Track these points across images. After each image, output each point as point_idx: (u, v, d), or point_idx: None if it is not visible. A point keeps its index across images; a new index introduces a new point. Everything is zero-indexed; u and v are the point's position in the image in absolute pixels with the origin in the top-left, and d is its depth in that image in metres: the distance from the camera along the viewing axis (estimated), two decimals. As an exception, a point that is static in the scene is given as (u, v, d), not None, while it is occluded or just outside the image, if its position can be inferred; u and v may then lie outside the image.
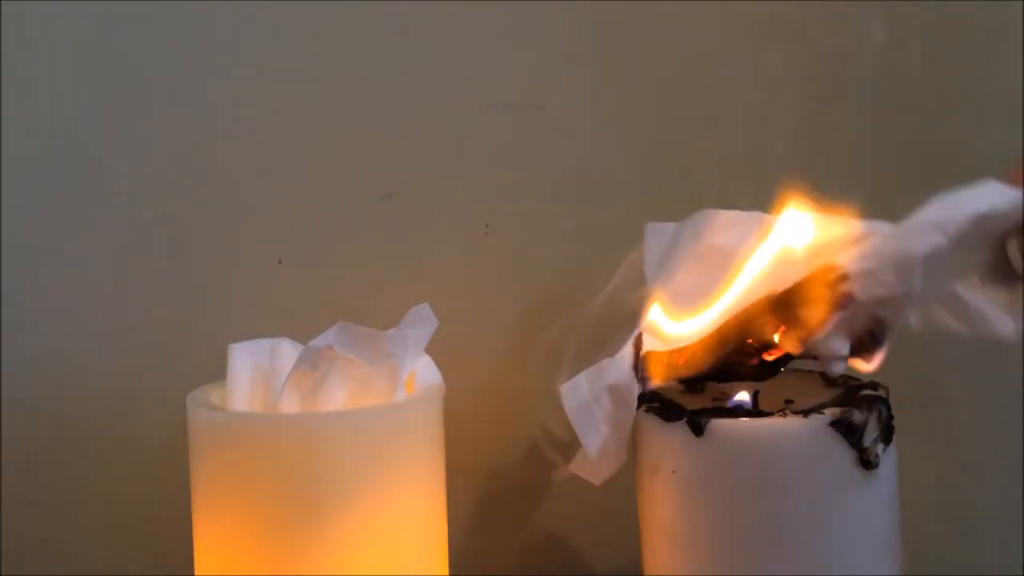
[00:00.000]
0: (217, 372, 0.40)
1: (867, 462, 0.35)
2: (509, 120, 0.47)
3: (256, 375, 0.39)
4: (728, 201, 0.41)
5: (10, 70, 0.46)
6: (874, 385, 0.38)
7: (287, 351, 0.39)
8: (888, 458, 0.36)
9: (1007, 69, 0.46)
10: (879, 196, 0.43)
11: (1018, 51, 0.46)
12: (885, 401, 0.37)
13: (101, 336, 0.48)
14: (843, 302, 0.34)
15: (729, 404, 0.38)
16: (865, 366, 0.36)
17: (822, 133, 0.47)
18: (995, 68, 0.46)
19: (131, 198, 0.48)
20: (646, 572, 0.38)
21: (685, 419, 0.36)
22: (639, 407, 0.37)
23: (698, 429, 0.36)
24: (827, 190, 0.40)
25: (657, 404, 0.37)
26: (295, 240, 0.48)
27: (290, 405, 0.37)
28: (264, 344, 0.39)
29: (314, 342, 0.37)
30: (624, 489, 0.40)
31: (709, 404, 0.38)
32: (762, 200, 0.40)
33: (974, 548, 0.48)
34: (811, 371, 0.40)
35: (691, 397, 0.39)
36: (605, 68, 0.48)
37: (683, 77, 0.48)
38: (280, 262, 0.48)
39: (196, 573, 0.38)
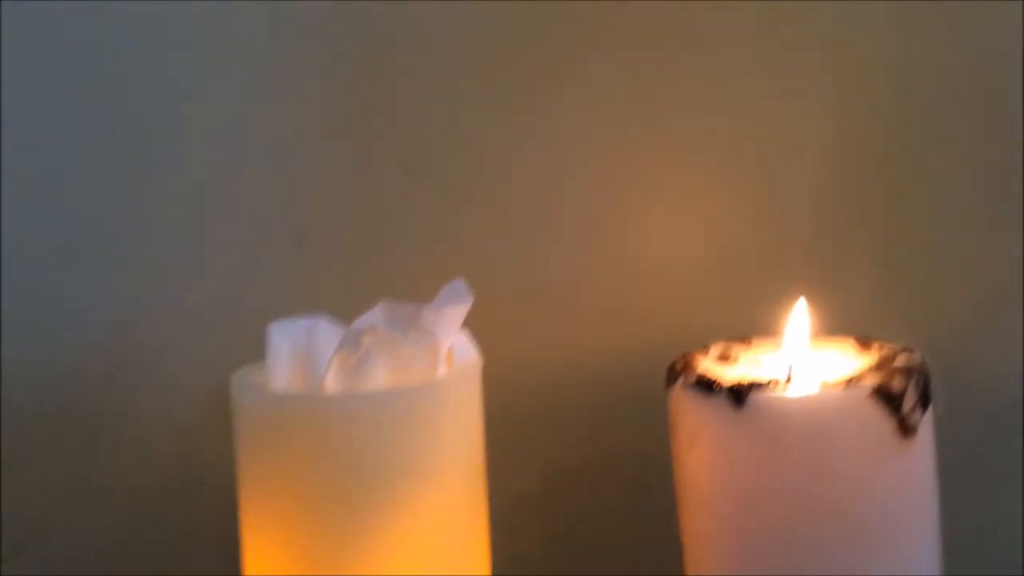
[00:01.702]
0: (243, 356, 0.40)
1: (906, 429, 0.36)
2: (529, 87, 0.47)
3: (295, 355, 0.39)
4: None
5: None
6: (911, 350, 0.38)
7: (324, 330, 0.39)
8: (926, 424, 0.37)
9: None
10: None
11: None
12: (923, 367, 0.37)
13: (119, 321, 0.48)
14: None
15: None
16: None
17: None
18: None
19: (147, 173, 0.48)
20: (685, 543, 0.38)
21: (725, 391, 0.36)
22: (676, 382, 0.38)
23: (738, 402, 0.36)
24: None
25: (696, 377, 0.37)
26: (313, 220, 0.48)
27: (335, 385, 0.37)
28: (301, 324, 0.39)
29: (357, 323, 0.37)
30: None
31: (746, 375, 0.38)
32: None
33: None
34: (845, 338, 0.40)
35: (725, 368, 0.39)
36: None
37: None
38: (299, 243, 0.48)
39: (244, 553, 0.38)
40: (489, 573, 0.39)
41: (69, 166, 0.47)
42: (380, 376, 0.38)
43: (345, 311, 0.40)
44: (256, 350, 0.39)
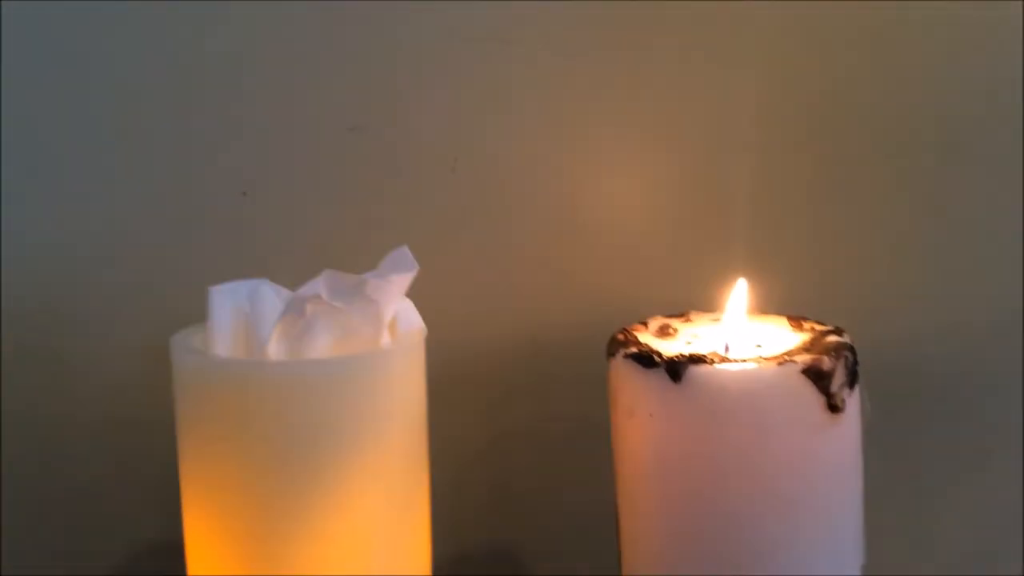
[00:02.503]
0: (186, 311, 0.40)
1: (834, 406, 0.37)
2: (474, 53, 0.47)
3: (237, 318, 0.39)
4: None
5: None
6: (840, 331, 0.40)
7: (267, 294, 0.39)
8: (853, 402, 0.38)
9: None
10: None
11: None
12: (851, 348, 0.38)
13: (61, 277, 0.48)
14: None
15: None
16: None
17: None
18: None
19: (95, 124, 0.47)
20: (620, 513, 0.40)
21: (664, 365, 0.37)
22: (616, 354, 0.39)
23: (676, 375, 0.37)
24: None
25: (635, 351, 0.38)
26: (260, 172, 0.48)
27: (277, 352, 0.37)
28: (243, 287, 0.39)
29: (301, 290, 0.37)
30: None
31: (684, 349, 0.39)
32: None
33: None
34: (779, 316, 0.42)
35: (665, 343, 0.40)
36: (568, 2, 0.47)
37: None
38: (245, 194, 0.48)
39: (184, 517, 0.38)
40: (430, 538, 0.39)
41: (26, 113, 0.46)
42: (323, 344, 0.38)
43: (287, 268, 0.40)
44: (201, 309, 0.39)
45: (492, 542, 0.50)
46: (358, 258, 0.40)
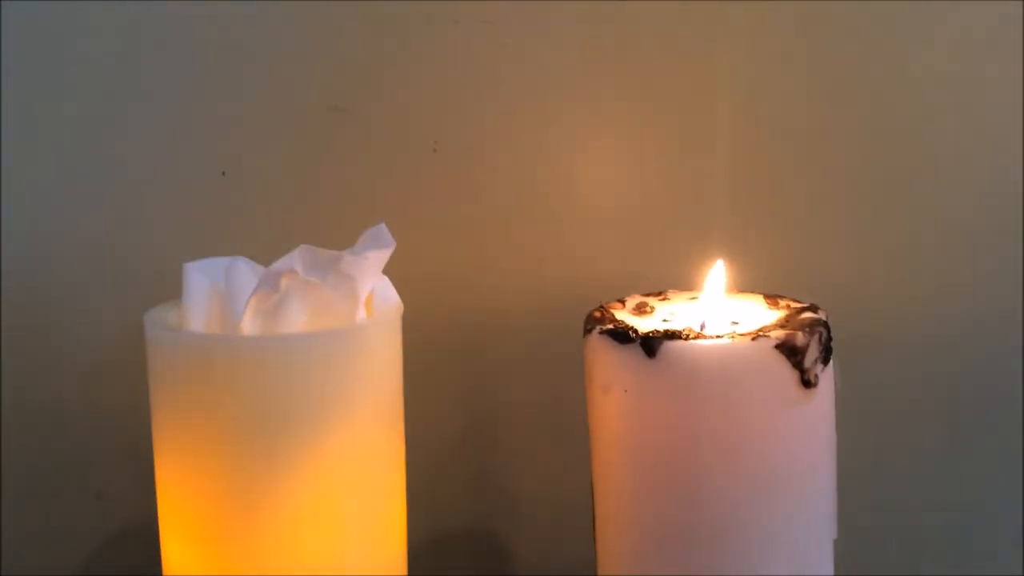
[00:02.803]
0: (162, 289, 0.40)
1: (807, 382, 0.37)
2: (456, 34, 0.47)
3: (212, 294, 0.39)
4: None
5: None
6: (815, 308, 0.40)
7: (242, 270, 0.39)
8: (826, 378, 0.38)
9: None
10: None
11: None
12: (825, 324, 0.39)
13: (38, 250, 0.48)
14: None
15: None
16: None
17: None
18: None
19: (70, 101, 0.47)
20: (596, 488, 0.40)
21: (639, 341, 0.37)
22: (592, 330, 0.39)
23: (651, 351, 0.37)
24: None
25: (611, 327, 0.38)
26: (240, 152, 0.47)
27: (252, 327, 0.37)
28: (219, 263, 0.39)
29: (276, 264, 0.37)
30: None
31: (660, 327, 0.39)
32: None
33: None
34: (755, 293, 0.42)
35: (642, 320, 0.40)
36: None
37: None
38: (224, 174, 0.48)
39: (158, 493, 0.38)
40: (405, 516, 0.39)
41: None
42: (298, 319, 0.38)
43: (267, 249, 0.40)
44: (177, 287, 0.39)
45: (470, 525, 0.50)
46: (337, 239, 0.40)
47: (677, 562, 0.37)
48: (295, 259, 0.37)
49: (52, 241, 0.48)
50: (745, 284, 0.43)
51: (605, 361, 0.38)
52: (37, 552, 0.49)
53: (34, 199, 0.47)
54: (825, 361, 0.38)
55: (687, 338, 0.37)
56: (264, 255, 0.40)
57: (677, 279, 0.44)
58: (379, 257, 0.38)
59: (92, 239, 0.48)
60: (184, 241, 0.47)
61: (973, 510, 0.50)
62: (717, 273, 0.41)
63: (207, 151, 0.47)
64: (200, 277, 0.38)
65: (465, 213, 0.48)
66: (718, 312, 0.40)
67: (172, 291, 0.39)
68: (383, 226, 0.39)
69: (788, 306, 0.40)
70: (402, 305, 0.39)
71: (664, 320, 0.40)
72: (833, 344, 0.38)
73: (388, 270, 0.39)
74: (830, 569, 0.39)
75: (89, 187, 0.47)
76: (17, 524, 0.49)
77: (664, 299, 0.42)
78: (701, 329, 0.39)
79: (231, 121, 0.47)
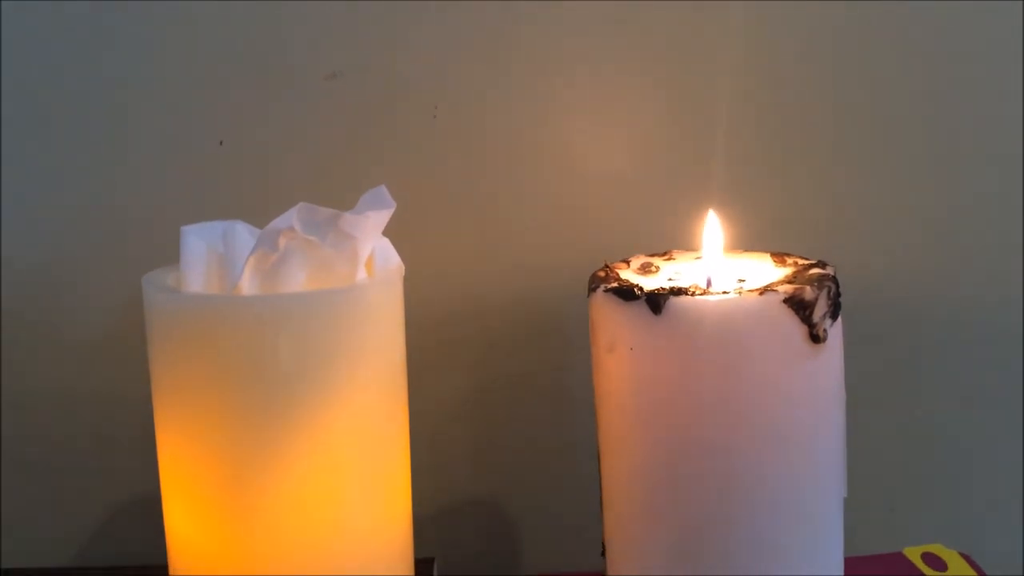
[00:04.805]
0: (162, 259, 0.40)
1: (816, 336, 0.37)
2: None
3: (210, 258, 0.38)
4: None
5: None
6: (823, 264, 0.39)
7: (241, 233, 0.38)
8: (835, 332, 0.37)
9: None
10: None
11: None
12: (834, 279, 0.38)
13: (37, 223, 0.47)
14: None
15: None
16: None
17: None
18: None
19: (70, 78, 0.46)
20: (601, 448, 0.39)
21: (644, 298, 0.37)
22: (597, 289, 0.38)
23: (656, 307, 0.37)
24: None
25: (616, 285, 0.38)
26: (237, 120, 0.47)
27: (250, 287, 0.37)
28: (217, 226, 0.38)
29: (275, 222, 0.37)
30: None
31: (665, 284, 0.38)
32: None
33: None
34: (762, 251, 0.41)
35: (647, 279, 0.39)
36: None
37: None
38: (221, 143, 0.47)
39: (159, 458, 0.37)
40: (409, 475, 0.39)
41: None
42: (298, 279, 0.37)
43: (265, 217, 0.40)
44: (177, 257, 0.38)
45: (475, 492, 0.50)
46: (337, 207, 0.39)
47: (684, 519, 0.36)
48: (293, 217, 0.36)
49: (51, 217, 0.47)
50: (745, 241, 0.42)
51: (610, 320, 0.38)
52: (38, 528, 0.49)
53: (34, 176, 0.47)
54: (834, 316, 0.37)
55: (693, 294, 0.37)
56: (263, 224, 0.39)
57: (683, 242, 0.43)
58: (379, 218, 0.38)
59: (89, 209, 0.47)
60: (182, 211, 0.47)
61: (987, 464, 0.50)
62: (712, 225, 0.40)
63: (206, 120, 0.47)
64: (197, 240, 0.38)
65: (466, 179, 0.48)
66: (724, 270, 0.39)
67: (171, 261, 0.39)
68: (383, 188, 0.38)
69: (796, 263, 0.40)
70: (403, 266, 0.39)
71: (669, 279, 0.39)
72: (841, 300, 0.38)
73: (388, 235, 0.39)
74: (839, 528, 0.38)
75: (86, 159, 0.47)
76: (18, 502, 0.48)
77: (669, 259, 0.41)
78: (707, 286, 0.38)
79: (229, 90, 0.47)
